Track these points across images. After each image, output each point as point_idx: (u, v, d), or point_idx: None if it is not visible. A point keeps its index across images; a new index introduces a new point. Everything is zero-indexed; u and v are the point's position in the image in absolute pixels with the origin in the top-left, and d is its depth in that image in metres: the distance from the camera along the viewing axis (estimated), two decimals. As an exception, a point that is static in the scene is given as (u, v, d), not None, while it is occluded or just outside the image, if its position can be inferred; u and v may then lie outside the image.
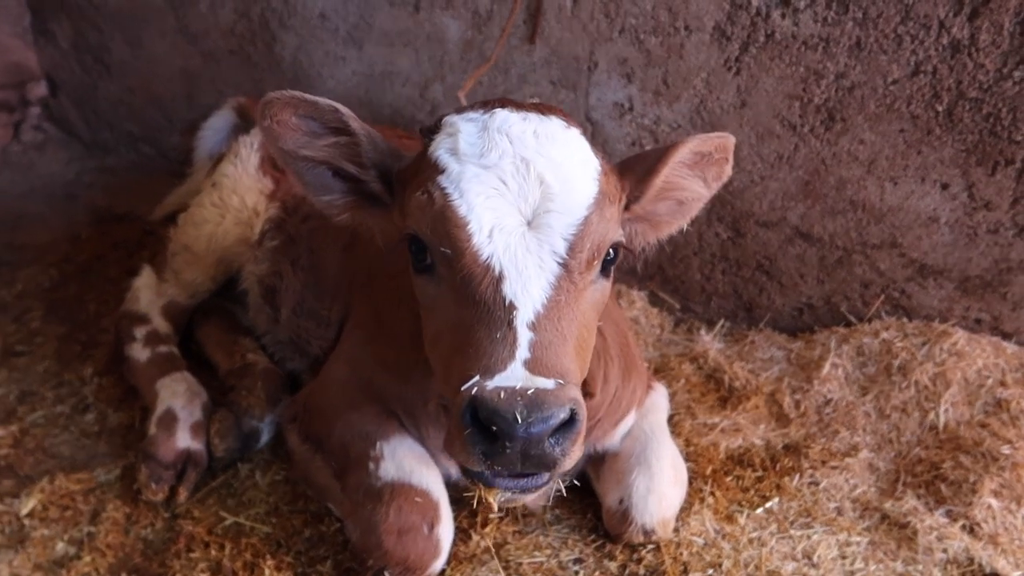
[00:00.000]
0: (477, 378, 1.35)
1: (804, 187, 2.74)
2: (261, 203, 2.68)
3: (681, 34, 2.71)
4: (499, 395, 1.32)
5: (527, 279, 1.46)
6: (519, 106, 1.63)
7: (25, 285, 3.45)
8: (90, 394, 2.76)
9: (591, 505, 2.29)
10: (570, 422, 1.36)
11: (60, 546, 2.23)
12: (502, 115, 1.57)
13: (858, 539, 2.21)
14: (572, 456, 1.37)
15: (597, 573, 2.12)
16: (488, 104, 1.64)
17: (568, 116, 1.67)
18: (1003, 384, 2.56)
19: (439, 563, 1.98)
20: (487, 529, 2.22)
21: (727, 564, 2.12)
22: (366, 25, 3.28)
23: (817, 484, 2.40)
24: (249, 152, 2.78)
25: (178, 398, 2.47)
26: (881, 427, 2.58)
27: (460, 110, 1.67)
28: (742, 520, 2.26)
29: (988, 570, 2.09)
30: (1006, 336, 2.69)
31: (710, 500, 2.31)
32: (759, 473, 2.44)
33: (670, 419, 2.66)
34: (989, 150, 2.48)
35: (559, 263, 1.49)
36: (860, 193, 2.67)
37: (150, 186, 4.05)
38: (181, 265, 2.77)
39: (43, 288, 3.41)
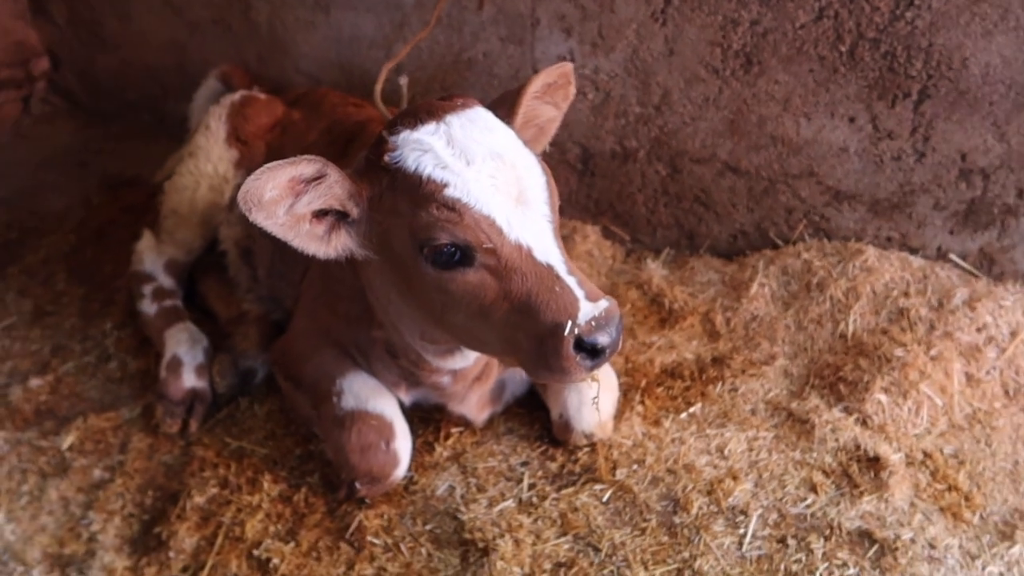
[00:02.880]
0: (569, 323, 1.74)
1: (730, 125, 3.01)
2: (230, 171, 3.01)
3: (611, -11, 2.94)
4: (592, 325, 1.75)
5: (545, 243, 1.83)
6: (448, 109, 1.87)
7: (48, 251, 3.84)
8: (111, 345, 3.17)
9: (538, 418, 2.68)
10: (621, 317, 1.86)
11: (96, 472, 2.67)
12: (456, 122, 1.84)
13: (765, 434, 2.57)
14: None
15: (540, 472, 2.52)
16: (419, 114, 1.86)
17: (470, 97, 1.98)
18: (906, 295, 2.86)
19: (399, 471, 2.40)
20: (448, 441, 2.63)
21: (650, 460, 2.51)
22: (331, -9, 3.53)
23: (736, 390, 2.75)
24: (218, 124, 3.09)
25: (182, 345, 2.87)
26: (798, 338, 2.91)
27: (403, 126, 1.85)
28: (667, 424, 2.63)
29: (872, 454, 2.45)
30: (913, 251, 2.98)
31: (639, 408, 2.67)
32: (687, 383, 2.79)
33: (614, 340, 3.03)
34: (888, 85, 2.72)
35: (549, 221, 1.87)
36: (779, 129, 2.94)
37: (153, 150, 4.38)
38: (172, 227, 3.14)
39: (64, 252, 3.80)
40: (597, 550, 2.26)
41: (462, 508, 2.40)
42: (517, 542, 2.27)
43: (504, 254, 1.79)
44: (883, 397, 2.58)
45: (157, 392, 2.79)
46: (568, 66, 2.08)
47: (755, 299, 3.04)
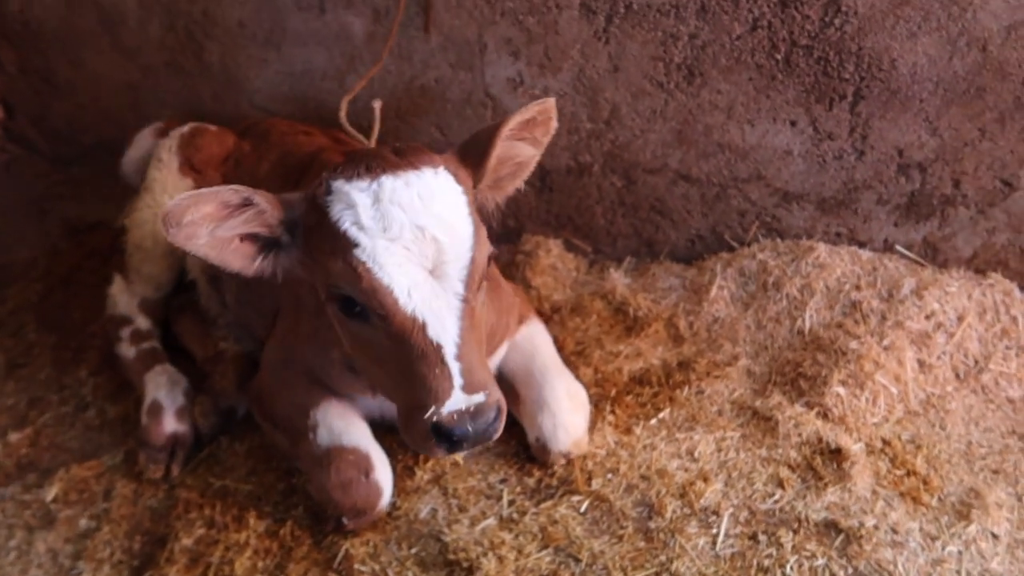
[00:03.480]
0: (433, 408, 1.80)
1: (678, 136, 3.11)
2: None
3: (553, 12, 3.03)
4: (453, 418, 1.81)
5: (443, 321, 1.84)
6: (394, 166, 1.87)
7: (16, 301, 3.83)
8: (88, 393, 3.19)
9: (514, 435, 2.74)
10: (498, 412, 1.89)
11: (83, 522, 2.69)
12: (389, 184, 1.84)
13: (732, 434, 2.67)
14: (501, 427, 1.95)
15: (519, 488, 2.59)
16: (363, 164, 1.88)
17: (427, 153, 1.97)
18: (858, 288, 2.98)
19: (383, 501, 2.46)
20: (428, 464, 2.69)
21: (624, 468, 2.59)
22: (280, 29, 3.57)
23: (703, 392, 2.84)
24: (170, 155, 3.13)
25: (161, 389, 2.90)
26: (758, 337, 3.02)
27: (343, 173, 1.88)
28: (638, 431, 2.71)
29: (833, 446, 2.55)
30: (861, 245, 3.10)
31: (611, 418, 2.75)
32: (655, 389, 2.87)
33: (582, 352, 3.11)
34: (824, 89, 2.84)
35: (460, 300, 1.87)
36: (725, 136, 3.04)
37: (113, 193, 4.38)
38: (138, 263, 3.15)
39: (31, 302, 3.79)
40: (577, 560, 2.34)
41: (445, 529, 2.47)
42: (500, 559, 2.34)
43: (396, 323, 1.84)
44: (841, 390, 2.69)
45: (139, 439, 2.82)
46: (550, 102, 2.04)
47: (715, 301, 3.14)
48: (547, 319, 3.30)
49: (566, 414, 2.57)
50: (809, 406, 2.71)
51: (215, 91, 3.95)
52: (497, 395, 1.89)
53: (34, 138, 4.77)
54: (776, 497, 2.45)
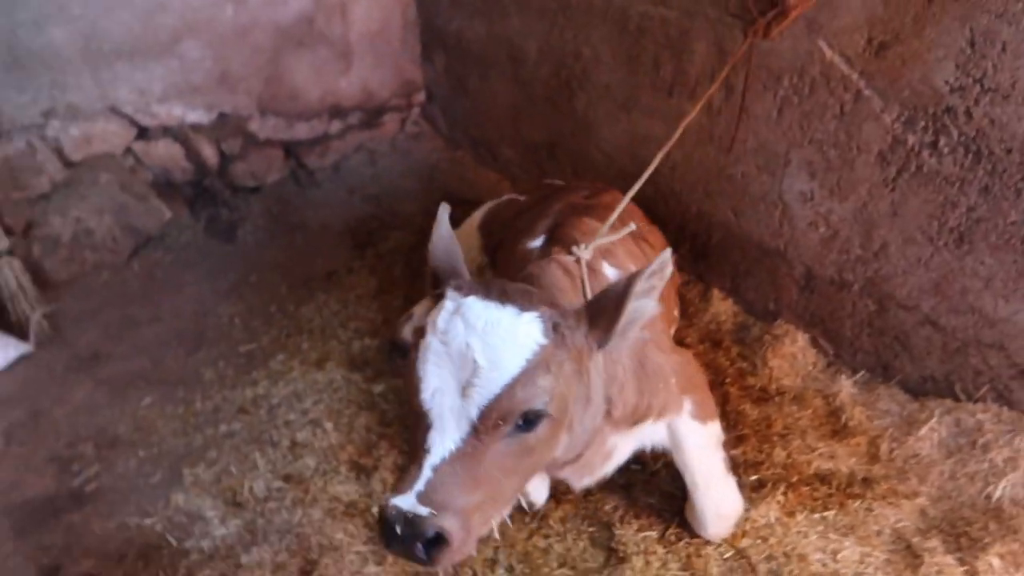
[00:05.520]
0: (390, 495, 1.91)
1: (935, 287, 3.43)
2: (479, 256, 3.71)
3: (854, 152, 3.50)
4: (391, 511, 1.86)
5: (444, 433, 1.92)
6: (491, 294, 2.03)
7: (394, 243, 5.21)
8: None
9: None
10: (436, 539, 1.86)
11: (391, 414, 3.89)
12: (469, 302, 2.01)
13: (878, 555, 3.03)
14: (442, 560, 1.90)
15: (678, 521, 3.25)
16: (477, 285, 2.09)
17: (536, 301, 2.08)
18: (1063, 480, 3.11)
19: None
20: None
21: (772, 540, 3.09)
22: (635, 99, 4.43)
23: (871, 511, 3.21)
24: (472, 217, 3.93)
25: None
26: (947, 486, 3.27)
27: (460, 286, 2.07)
28: (799, 517, 3.18)
29: (966, 607, 2.84)
30: (1088, 441, 3.19)
31: (780, 499, 3.27)
32: (831, 491, 3.31)
33: (785, 435, 3.60)
34: (1089, 289, 3.00)
35: (470, 425, 1.93)
36: (978, 301, 3.30)
37: (484, 180, 5.70)
38: None
39: (404, 248, 5.17)
40: (704, 591, 2.98)
41: (617, 524, 3.23)
42: (648, 563, 3.06)
43: (414, 409, 2.01)
44: (996, 561, 2.92)
45: None
46: (667, 254, 2.08)
47: (923, 440, 3.42)
48: (769, 398, 3.84)
49: (715, 525, 3.11)
50: (961, 563, 2.97)
51: (573, 129, 4.96)
52: (442, 523, 1.85)
53: (440, 122, 6.24)
54: (893, 625, 2.83)
